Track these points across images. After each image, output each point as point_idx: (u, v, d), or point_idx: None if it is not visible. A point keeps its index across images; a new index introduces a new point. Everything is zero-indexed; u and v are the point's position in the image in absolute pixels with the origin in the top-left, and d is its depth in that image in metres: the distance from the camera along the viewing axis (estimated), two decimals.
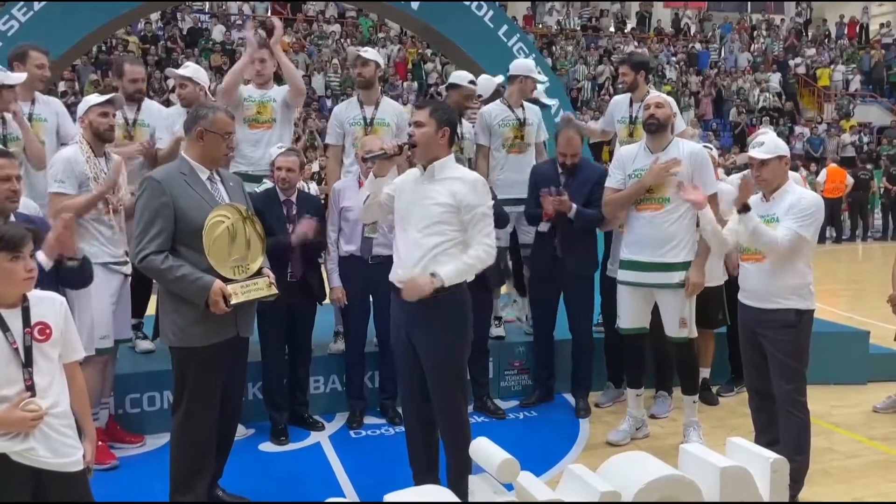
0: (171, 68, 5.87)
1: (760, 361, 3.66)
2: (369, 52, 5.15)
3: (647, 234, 4.19)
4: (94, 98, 4.09)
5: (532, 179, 4.91)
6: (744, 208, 3.50)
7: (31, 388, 2.42)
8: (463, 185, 3.27)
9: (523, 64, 5.44)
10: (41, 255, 2.94)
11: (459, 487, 3.05)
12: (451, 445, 3.35)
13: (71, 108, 5.20)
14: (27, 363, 2.42)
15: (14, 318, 2.44)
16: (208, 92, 5.28)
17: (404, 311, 3.34)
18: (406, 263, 3.30)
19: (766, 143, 3.57)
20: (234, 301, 3.18)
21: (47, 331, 2.49)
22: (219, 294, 3.13)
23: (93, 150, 4.01)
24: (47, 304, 2.54)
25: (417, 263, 3.25)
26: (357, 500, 3.65)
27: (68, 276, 3.24)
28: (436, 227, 3.25)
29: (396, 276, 3.35)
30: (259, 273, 3.35)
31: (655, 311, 4.39)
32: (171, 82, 14.84)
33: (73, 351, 2.61)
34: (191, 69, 5.22)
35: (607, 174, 4.52)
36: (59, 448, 2.46)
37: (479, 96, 5.46)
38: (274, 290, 3.38)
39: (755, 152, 3.55)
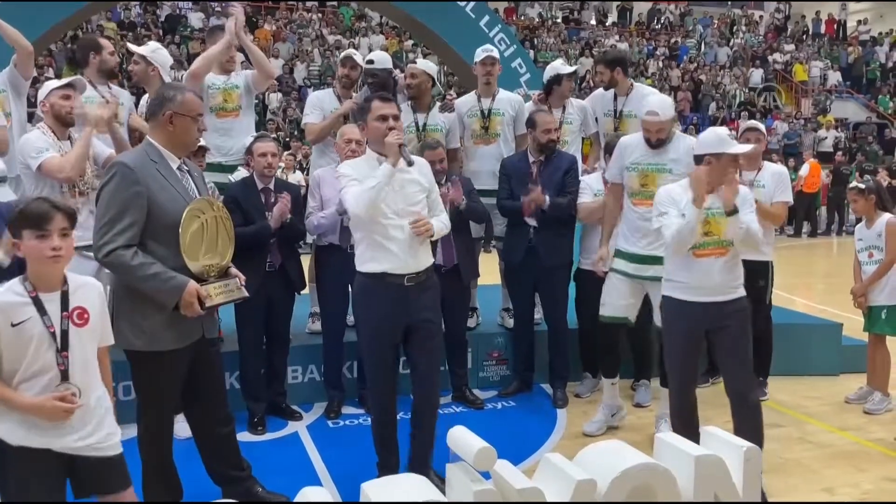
0: (132, 45, 5.60)
1: (722, 358, 3.63)
2: (357, 57, 5.19)
3: (643, 228, 4.20)
4: (54, 82, 4.03)
5: (503, 172, 4.92)
6: (733, 210, 3.41)
7: (64, 373, 2.40)
8: (425, 167, 3.57)
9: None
10: None
11: (427, 462, 3.52)
12: (429, 415, 3.56)
13: None
14: (62, 347, 2.40)
15: (53, 302, 2.42)
16: (166, 76, 4.96)
17: (402, 302, 3.41)
18: (403, 248, 3.38)
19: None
20: (209, 304, 2.99)
21: (86, 315, 2.48)
22: (193, 295, 2.91)
23: (55, 133, 3.93)
24: (86, 290, 2.52)
25: (412, 244, 3.39)
26: (334, 489, 3.65)
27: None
28: (419, 210, 3.43)
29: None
30: (227, 273, 3.15)
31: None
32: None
33: (105, 336, 2.62)
34: (148, 48, 5.00)
35: (577, 163, 4.63)
36: (96, 434, 2.48)
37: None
38: (245, 293, 3.18)
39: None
